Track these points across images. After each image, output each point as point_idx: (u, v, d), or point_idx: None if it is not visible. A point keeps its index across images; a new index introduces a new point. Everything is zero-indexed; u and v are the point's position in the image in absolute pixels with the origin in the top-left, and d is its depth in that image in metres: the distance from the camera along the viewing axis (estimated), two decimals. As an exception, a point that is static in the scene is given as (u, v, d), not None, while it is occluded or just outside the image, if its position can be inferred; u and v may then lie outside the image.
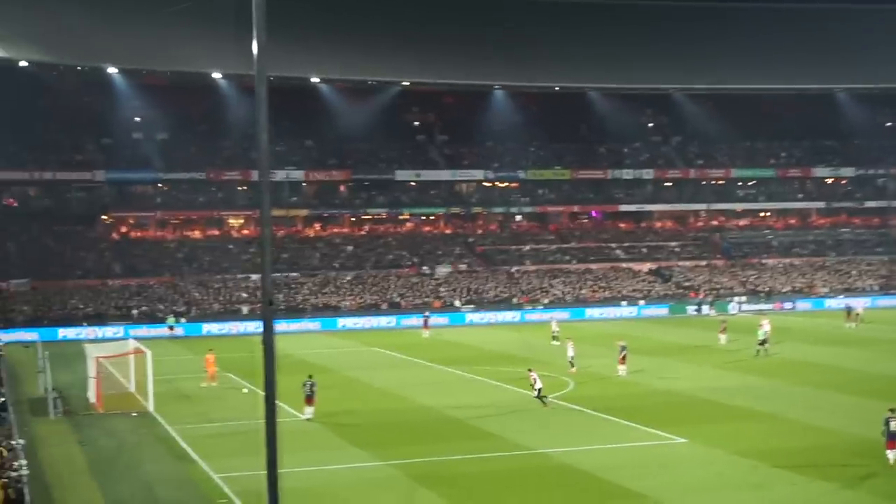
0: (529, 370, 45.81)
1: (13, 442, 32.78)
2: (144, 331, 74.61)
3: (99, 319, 79.01)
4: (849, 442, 35.41)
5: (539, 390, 43.71)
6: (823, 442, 35.59)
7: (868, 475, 30.67)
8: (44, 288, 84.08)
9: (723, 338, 65.40)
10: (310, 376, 42.30)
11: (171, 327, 78.09)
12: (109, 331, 75.16)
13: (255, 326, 72.49)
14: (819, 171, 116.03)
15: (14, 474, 27.97)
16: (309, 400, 41.47)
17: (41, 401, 45.77)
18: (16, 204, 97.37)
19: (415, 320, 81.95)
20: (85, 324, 74.86)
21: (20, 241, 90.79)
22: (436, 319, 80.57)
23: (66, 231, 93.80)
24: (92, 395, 46.47)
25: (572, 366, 53.92)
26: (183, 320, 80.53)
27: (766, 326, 63.18)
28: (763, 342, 59.69)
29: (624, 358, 52.58)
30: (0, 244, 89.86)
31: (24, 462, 28.38)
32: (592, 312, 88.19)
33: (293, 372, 46.15)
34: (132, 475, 32.91)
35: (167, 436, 39.38)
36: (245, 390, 49.45)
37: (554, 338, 67.47)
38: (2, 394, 44.87)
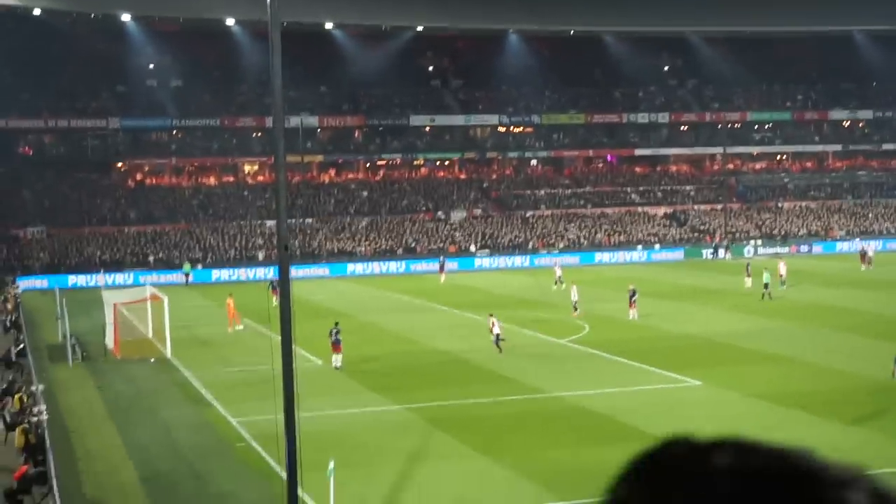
0: (490, 315, 45.69)
1: (33, 388, 33.12)
2: (154, 277, 73.94)
3: (116, 266, 79.31)
4: (864, 383, 35.47)
5: (497, 335, 43.60)
6: (839, 384, 35.63)
7: (882, 414, 30.76)
8: (60, 235, 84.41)
9: (748, 281, 64.98)
10: (336, 323, 41.87)
11: (186, 274, 78.23)
12: (119, 277, 75.11)
13: (266, 272, 72.76)
14: (836, 114, 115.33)
15: (34, 419, 28.31)
16: (336, 347, 40.70)
17: (59, 347, 46.15)
18: (31, 152, 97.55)
19: (424, 265, 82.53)
20: (102, 270, 75.18)
21: (36, 188, 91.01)
22: (448, 264, 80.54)
23: (82, 178, 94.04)
24: (110, 342, 46.79)
25: (575, 309, 53.96)
26: (199, 266, 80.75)
27: (782, 269, 63.66)
28: (766, 285, 59.61)
29: (634, 302, 52.49)
30: (16, 192, 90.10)
31: (43, 407, 28.71)
32: (603, 257, 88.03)
33: (309, 317, 46.43)
34: (150, 419, 33.22)
35: (185, 381, 39.70)
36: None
37: (557, 282, 67.61)
38: (21, 340, 45.31)
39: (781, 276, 63.31)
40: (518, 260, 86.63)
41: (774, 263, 66.63)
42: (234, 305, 52.80)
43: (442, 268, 77.78)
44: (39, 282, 74.53)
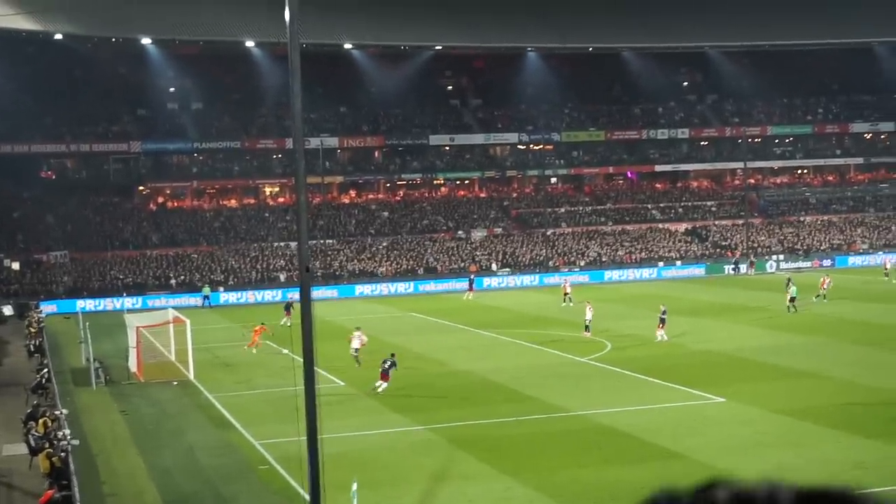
0: (357, 328, 46.14)
1: (57, 412, 33.23)
2: (163, 301, 73.78)
3: (138, 289, 79.60)
4: (888, 397, 35.23)
5: (356, 350, 44.14)
6: (866, 399, 35.39)
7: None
8: (83, 259, 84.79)
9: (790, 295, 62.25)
10: (392, 354, 40.85)
11: (206, 296, 78.29)
12: (129, 301, 75.02)
13: (273, 295, 72.97)
14: (857, 127, 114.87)
15: (60, 443, 28.38)
16: (384, 375, 39.72)
17: (83, 371, 46.27)
18: (54, 176, 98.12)
19: (433, 286, 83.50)
20: (124, 294, 75.37)
21: (58, 213, 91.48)
22: (460, 284, 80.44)
23: (104, 202, 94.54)
24: (133, 365, 46.91)
25: (587, 329, 53.20)
26: (221, 289, 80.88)
27: (791, 289, 61.20)
28: (793, 299, 59.19)
29: (663, 322, 51.49)
30: (39, 216, 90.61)
31: (68, 431, 28.77)
32: (612, 275, 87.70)
33: (328, 338, 46.45)
34: (174, 443, 33.27)
35: (208, 403, 39.73)
36: (285, 351, 49.81)
37: (565, 299, 67.49)
38: (45, 365, 45.49)
39: (790, 294, 60.97)
40: (528, 279, 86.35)
41: (802, 278, 66.37)
42: (261, 334, 52.57)
43: (471, 286, 77.87)
44: (50, 307, 74.17)
